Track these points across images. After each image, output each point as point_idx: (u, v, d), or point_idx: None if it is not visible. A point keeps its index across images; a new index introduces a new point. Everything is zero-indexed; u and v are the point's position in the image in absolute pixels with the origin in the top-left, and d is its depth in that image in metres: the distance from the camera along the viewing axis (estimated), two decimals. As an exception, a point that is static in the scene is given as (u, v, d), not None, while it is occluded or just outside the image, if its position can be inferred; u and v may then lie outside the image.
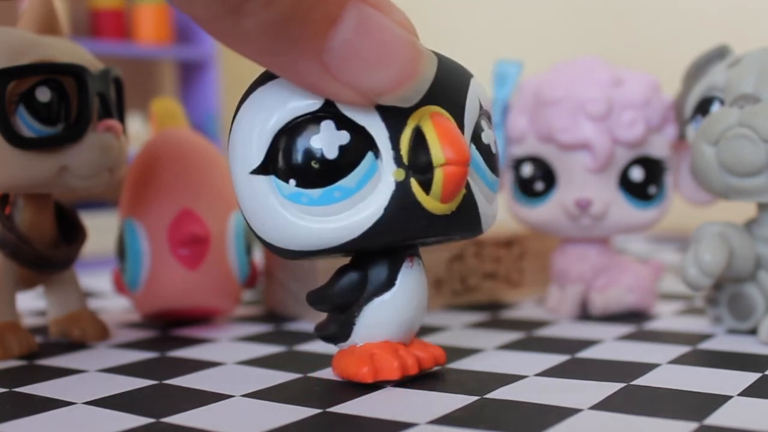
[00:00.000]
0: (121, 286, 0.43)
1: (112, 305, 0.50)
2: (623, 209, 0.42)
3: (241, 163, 0.28)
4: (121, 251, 0.42)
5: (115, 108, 0.39)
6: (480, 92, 0.31)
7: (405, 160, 0.28)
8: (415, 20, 0.28)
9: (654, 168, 0.42)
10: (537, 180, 0.43)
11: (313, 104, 0.27)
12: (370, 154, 0.28)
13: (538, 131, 0.42)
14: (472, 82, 0.30)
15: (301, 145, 0.28)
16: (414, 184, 0.28)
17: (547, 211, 0.43)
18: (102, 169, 0.37)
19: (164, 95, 1.89)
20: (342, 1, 0.25)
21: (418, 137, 0.27)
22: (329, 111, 0.27)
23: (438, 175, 0.27)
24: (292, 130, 0.28)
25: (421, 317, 0.31)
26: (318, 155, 0.27)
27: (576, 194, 0.42)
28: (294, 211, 0.28)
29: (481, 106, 0.30)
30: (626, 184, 0.42)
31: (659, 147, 0.42)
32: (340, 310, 0.30)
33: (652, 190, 0.42)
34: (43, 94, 0.35)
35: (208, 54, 1.90)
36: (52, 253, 0.38)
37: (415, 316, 0.31)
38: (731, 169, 0.36)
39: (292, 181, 0.28)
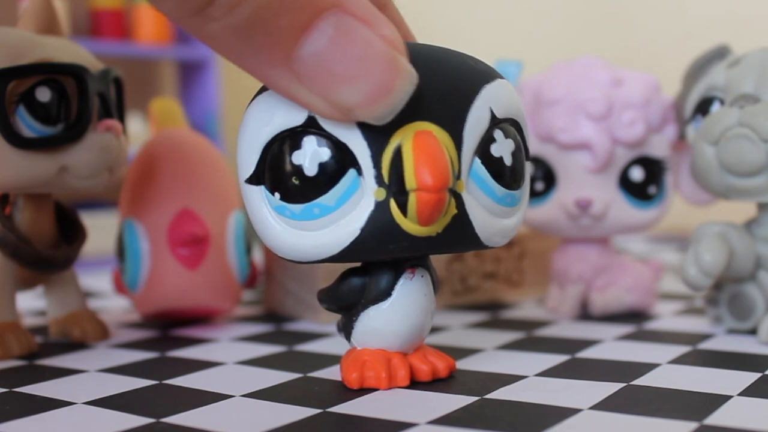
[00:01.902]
0: (121, 286, 0.43)
1: (112, 305, 0.50)
2: (623, 209, 0.42)
3: (240, 170, 0.29)
4: (121, 251, 0.42)
5: (115, 108, 0.39)
6: (496, 100, 0.29)
7: (386, 179, 0.27)
8: (415, 19, 0.28)
9: (654, 168, 0.42)
10: (537, 180, 0.43)
11: (297, 119, 0.27)
12: (352, 172, 0.27)
13: (538, 131, 0.42)
14: (486, 88, 0.29)
15: (283, 159, 0.27)
16: (393, 205, 0.27)
17: (547, 211, 0.43)
18: (102, 169, 0.37)
19: (164, 95, 1.89)
20: (317, 10, 0.24)
21: (398, 157, 0.26)
22: (312, 127, 0.27)
23: (411, 200, 0.26)
24: (278, 143, 0.28)
25: (424, 328, 0.31)
26: (298, 171, 0.27)
27: (576, 194, 0.42)
28: (281, 222, 0.28)
29: (494, 116, 0.29)
30: (626, 184, 0.42)
31: (659, 147, 0.42)
32: (346, 310, 0.31)
33: (652, 190, 0.42)
34: (43, 94, 0.35)
35: (208, 54, 1.90)
36: (52, 253, 0.38)
37: (414, 328, 0.30)
38: (731, 169, 0.36)
39: (277, 194, 0.28)
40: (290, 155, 0.27)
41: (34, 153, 0.35)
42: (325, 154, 0.27)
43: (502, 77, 0.30)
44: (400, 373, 0.30)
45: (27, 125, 0.35)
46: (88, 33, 1.85)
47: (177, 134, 0.45)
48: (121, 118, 0.40)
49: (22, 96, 0.35)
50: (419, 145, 0.26)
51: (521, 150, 0.30)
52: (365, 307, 0.30)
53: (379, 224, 0.27)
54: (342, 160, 0.27)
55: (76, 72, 0.36)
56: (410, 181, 0.26)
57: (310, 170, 0.27)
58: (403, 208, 0.27)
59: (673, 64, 0.55)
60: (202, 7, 0.24)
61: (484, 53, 0.32)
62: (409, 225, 0.27)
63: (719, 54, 0.40)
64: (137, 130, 1.68)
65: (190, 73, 1.99)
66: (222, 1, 0.24)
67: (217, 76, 1.94)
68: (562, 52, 0.66)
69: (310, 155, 0.27)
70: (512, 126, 0.30)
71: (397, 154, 0.26)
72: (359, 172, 0.27)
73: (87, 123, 0.36)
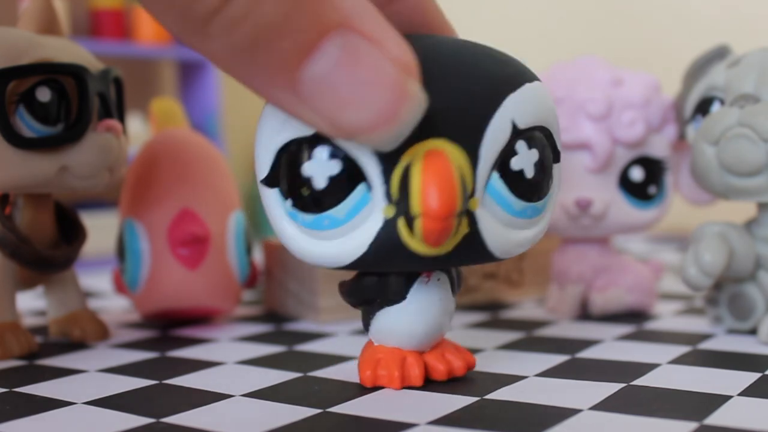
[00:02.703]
0: (121, 286, 0.43)
1: (112, 305, 0.50)
2: (623, 209, 0.42)
3: (258, 171, 0.28)
4: (121, 251, 0.42)
5: (115, 108, 0.39)
6: (520, 110, 0.27)
7: (394, 198, 0.26)
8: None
9: (654, 168, 0.42)
10: (537, 180, 0.43)
11: (307, 129, 0.26)
12: (362, 186, 0.26)
13: (538, 131, 0.42)
14: (509, 99, 0.27)
15: (294, 169, 0.27)
16: (401, 224, 0.26)
17: (547, 211, 0.43)
18: (102, 169, 0.37)
19: (164, 95, 1.89)
20: (322, 30, 0.23)
21: (407, 177, 0.26)
22: (323, 138, 0.26)
23: (417, 224, 0.26)
24: (290, 151, 0.27)
25: (442, 328, 0.30)
26: (308, 183, 0.27)
27: (576, 194, 0.42)
28: (293, 227, 0.28)
29: (516, 128, 0.27)
30: (626, 184, 0.42)
31: (659, 147, 0.42)
32: (367, 304, 0.30)
33: (652, 190, 0.42)
34: (43, 94, 0.35)
35: (208, 54, 1.90)
36: (52, 253, 0.38)
37: (430, 329, 0.30)
38: (731, 169, 0.36)
39: (289, 201, 0.27)
40: (301, 166, 0.27)
41: (34, 153, 0.35)
42: (335, 167, 0.26)
43: (532, 78, 0.28)
44: (414, 372, 0.30)
45: (27, 125, 0.35)
46: (88, 33, 1.85)
47: (177, 134, 0.45)
48: (121, 118, 0.40)
49: (22, 96, 0.35)
50: (428, 169, 0.25)
51: (548, 156, 0.29)
52: (380, 306, 0.30)
53: (387, 242, 0.26)
54: (352, 174, 0.26)
55: (76, 72, 0.36)
56: (416, 206, 0.25)
57: (320, 183, 0.26)
58: (410, 227, 0.26)
59: (674, 64, 0.55)
60: (201, 25, 0.23)
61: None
62: (416, 245, 0.26)
63: (719, 54, 0.40)
64: (137, 130, 1.68)
65: (190, 73, 1.99)
66: (221, 20, 0.23)
67: (217, 76, 1.94)
68: (563, 52, 0.66)
69: (321, 168, 0.26)
70: (541, 132, 0.28)
71: (407, 174, 0.26)
72: (369, 186, 0.26)
73: (87, 123, 0.36)
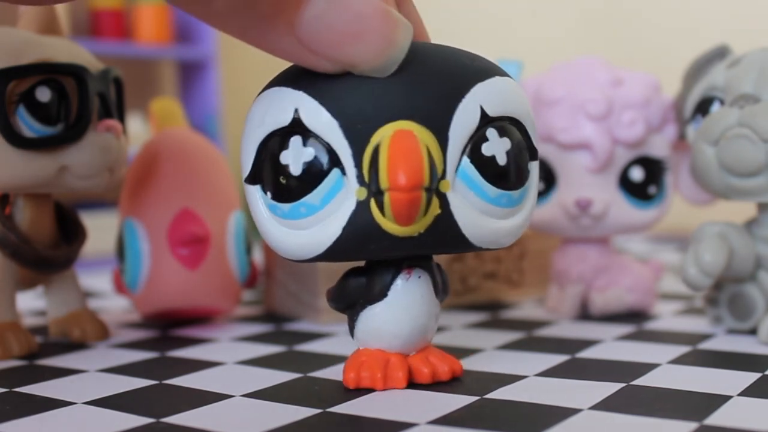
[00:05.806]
0: (121, 286, 0.43)
1: (112, 305, 0.50)
2: (623, 209, 0.42)
3: (242, 170, 0.29)
4: (121, 251, 0.42)
5: (115, 108, 0.39)
6: (490, 98, 0.28)
7: (366, 179, 0.27)
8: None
9: (654, 168, 0.42)
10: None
11: (283, 120, 0.27)
12: (336, 171, 0.27)
13: (538, 131, 0.42)
14: (478, 87, 0.28)
15: (272, 159, 0.28)
16: (373, 204, 0.27)
17: (547, 211, 0.43)
18: (102, 169, 0.37)
19: (164, 95, 1.89)
20: None
21: (377, 156, 0.26)
22: (297, 127, 0.27)
23: (386, 199, 0.26)
24: (268, 144, 0.28)
25: (426, 329, 0.30)
26: (285, 171, 0.28)
27: (576, 194, 0.42)
28: (273, 221, 0.29)
29: (485, 114, 0.28)
30: (626, 184, 0.42)
31: (659, 147, 0.42)
32: (351, 309, 0.31)
33: (652, 190, 0.42)
34: (43, 94, 0.35)
35: (208, 54, 1.90)
36: (52, 253, 0.38)
37: (414, 329, 0.30)
38: (731, 169, 0.36)
39: (269, 193, 0.28)
40: (278, 155, 0.28)
41: (34, 153, 0.35)
42: (309, 153, 0.27)
43: (503, 74, 0.29)
44: (397, 374, 0.30)
45: (27, 125, 0.35)
46: (88, 33, 1.85)
47: (177, 134, 0.45)
48: (121, 118, 0.40)
49: (22, 96, 0.35)
50: (395, 145, 0.26)
51: (521, 149, 0.29)
52: (363, 306, 0.30)
53: (361, 224, 0.27)
54: (327, 160, 0.27)
55: (76, 72, 0.36)
56: (383, 180, 0.26)
57: (296, 170, 0.27)
58: (381, 207, 0.27)
59: (674, 64, 0.55)
60: None
61: (485, 53, 0.31)
62: (388, 225, 0.27)
63: (719, 54, 0.40)
64: (137, 130, 1.68)
65: (190, 73, 1.99)
66: None
67: (217, 76, 1.94)
68: (563, 53, 0.66)
69: (296, 155, 0.27)
70: (513, 125, 0.29)
71: (376, 154, 0.26)
72: (343, 171, 0.27)
73: (87, 123, 0.36)
